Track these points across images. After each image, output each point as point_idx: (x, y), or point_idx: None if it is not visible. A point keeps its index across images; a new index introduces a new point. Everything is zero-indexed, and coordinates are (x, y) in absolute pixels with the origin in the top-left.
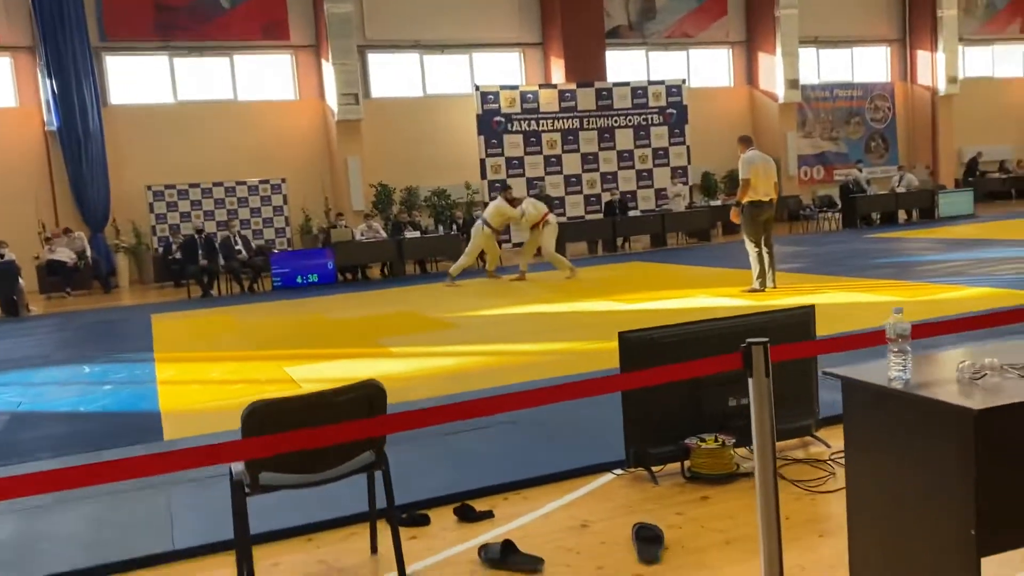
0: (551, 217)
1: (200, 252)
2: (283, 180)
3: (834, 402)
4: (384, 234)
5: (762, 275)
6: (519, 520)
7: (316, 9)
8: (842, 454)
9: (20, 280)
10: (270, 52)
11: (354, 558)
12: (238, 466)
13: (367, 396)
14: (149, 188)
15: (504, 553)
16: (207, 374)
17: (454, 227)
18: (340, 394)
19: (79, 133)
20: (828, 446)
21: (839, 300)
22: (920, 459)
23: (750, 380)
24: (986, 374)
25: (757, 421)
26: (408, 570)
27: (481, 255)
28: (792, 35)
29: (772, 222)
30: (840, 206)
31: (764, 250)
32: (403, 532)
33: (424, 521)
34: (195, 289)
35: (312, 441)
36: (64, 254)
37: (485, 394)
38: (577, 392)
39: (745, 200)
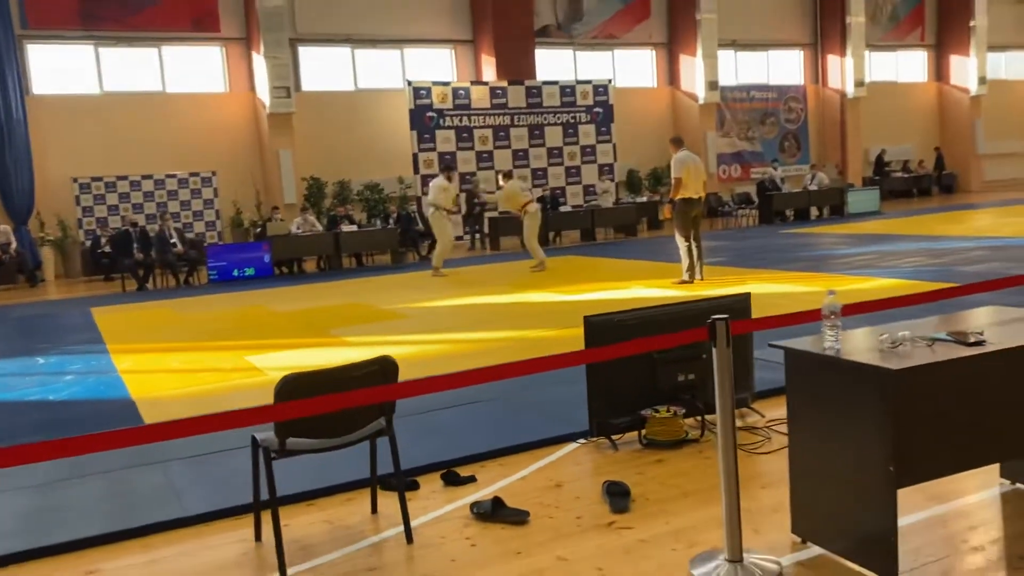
0: (532, 205)
1: (135, 245)
2: (213, 173)
3: (766, 380)
4: (320, 228)
5: (691, 268)
6: (500, 483)
7: (247, 2)
8: (775, 422)
9: None
10: (200, 44)
11: (356, 518)
12: (263, 434)
13: (382, 369)
14: (75, 180)
15: (494, 507)
16: (167, 364)
17: (390, 221)
18: (360, 368)
19: (1, 122)
20: (763, 416)
21: (764, 290)
22: (849, 411)
23: (714, 350)
24: (901, 344)
25: (719, 385)
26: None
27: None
28: (712, 38)
29: (701, 218)
30: (756, 203)
31: (693, 244)
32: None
33: (415, 486)
34: (130, 283)
35: (345, 402)
36: None
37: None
38: (560, 363)
39: (677, 197)
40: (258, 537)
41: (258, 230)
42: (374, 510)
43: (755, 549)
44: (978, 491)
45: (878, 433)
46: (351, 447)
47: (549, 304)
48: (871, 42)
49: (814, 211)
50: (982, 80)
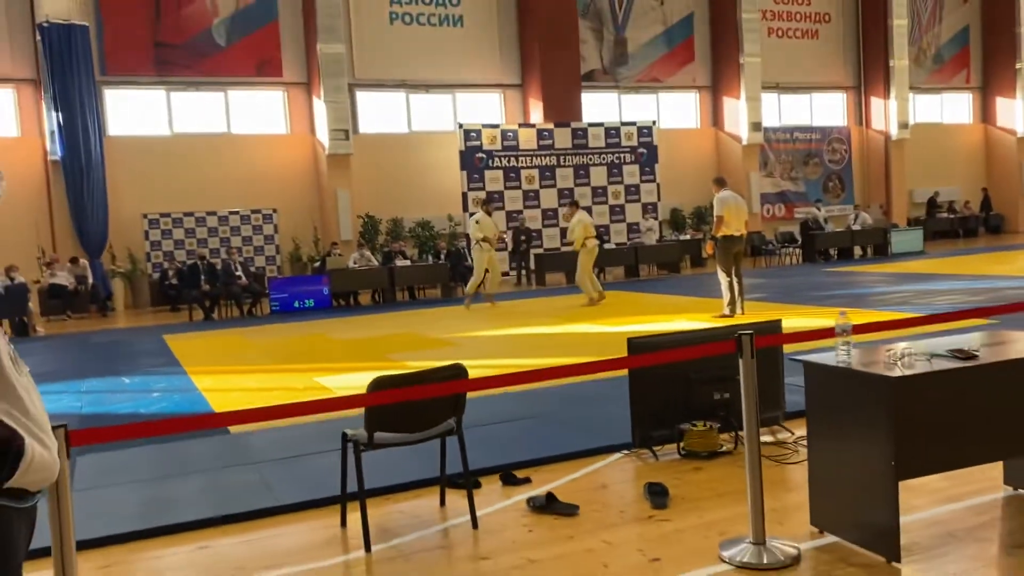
0: (591, 241)
1: (203, 277)
2: (274, 210)
3: (797, 403)
4: (376, 263)
5: (732, 302)
6: (551, 484)
7: (308, 49)
8: (803, 439)
9: (29, 303)
10: (263, 88)
11: (427, 509)
12: (354, 430)
13: (456, 372)
14: (145, 216)
15: (548, 501)
16: (243, 384)
17: (440, 257)
18: (437, 372)
19: (81, 163)
20: (792, 433)
21: (798, 323)
22: (858, 415)
23: (740, 361)
24: (903, 358)
25: (745, 391)
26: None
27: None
28: (755, 81)
29: (742, 255)
30: (800, 242)
31: (735, 280)
32: (461, 491)
33: (477, 485)
34: (196, 313)
35: (428, 392)
36: (64, 278)
37: (511, 392)
38: (607, 367)
39: (719, 234)
40: (343, 523)
41: (316, 264)
42: (443, 503)
43: (778, 536)
44: (981, 495)
45: (881, 433)
46: (421, 449)
47: (594, 335)
48: (915, 84)
49: (857, 250)
50: None
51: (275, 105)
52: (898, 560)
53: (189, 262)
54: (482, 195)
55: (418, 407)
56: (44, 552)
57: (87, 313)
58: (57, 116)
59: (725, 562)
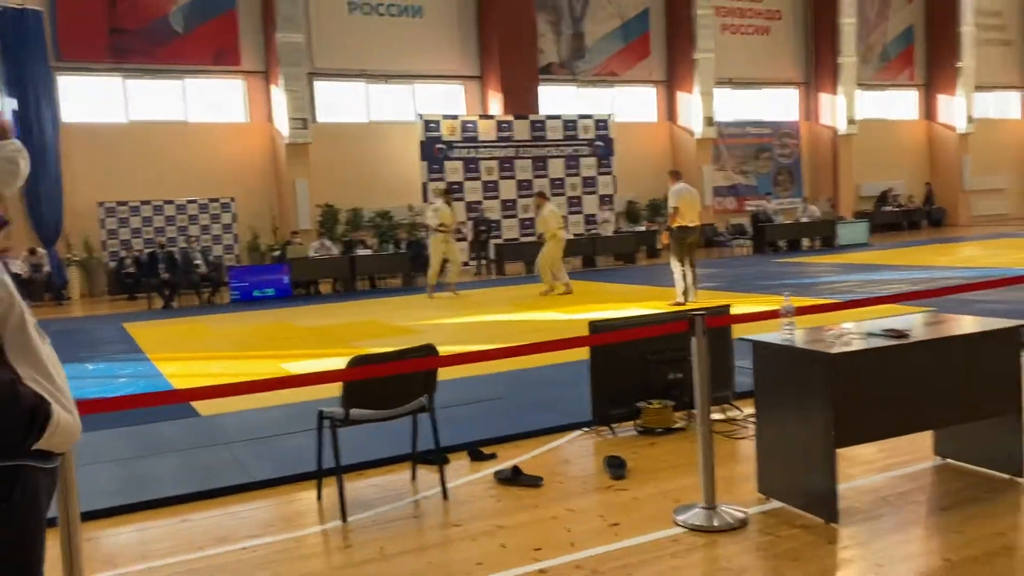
0: (561, 232)
1: (162, 266)
2: (232, 199)
3: (746, 383)
4: (336, 252)
5: (685, 291)
6: (516, 459)
7: (267, 37)
8: (751, 417)
9: None
10: (221, 76)
11: (399, 483)
12: (330, 408)
13: (427, 351)
14: (101, 204)
15: (513, 474)
16: (208, 370)
17: (401, 246)
18: (410, 352)
19: (35, 150)
20: (741, 411)
21: (749, 310)
22: (800, 389)
23: (693, 340)
24: (841, 336)
25: (698, 368)
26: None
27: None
28: (708, 76)
29: (696, 245)
30: (750, 234)
31: (688, 269)
32: (431, 467)
33: (445, 460)
34: (155, 301)
35: (403, 368)
36: (18, 267)
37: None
38: (572, 344)
39: (674, 225)
40: (319, 496)
41: (275, 254)
42: (414, 477)
43: (727, 503)
44: (912, 464)
45: (821, 405)
46: (389, 428)
47: (554, 321)
48: (862, 81)
49: (805, 242)
50: (969, 119)
51: (233, 93)
52: (836, 521)
53: (148, 250)
54: (442, 184)
55: (392, 384)
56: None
57: (42, 302)
58: (10, 102)
59: (679, 525)
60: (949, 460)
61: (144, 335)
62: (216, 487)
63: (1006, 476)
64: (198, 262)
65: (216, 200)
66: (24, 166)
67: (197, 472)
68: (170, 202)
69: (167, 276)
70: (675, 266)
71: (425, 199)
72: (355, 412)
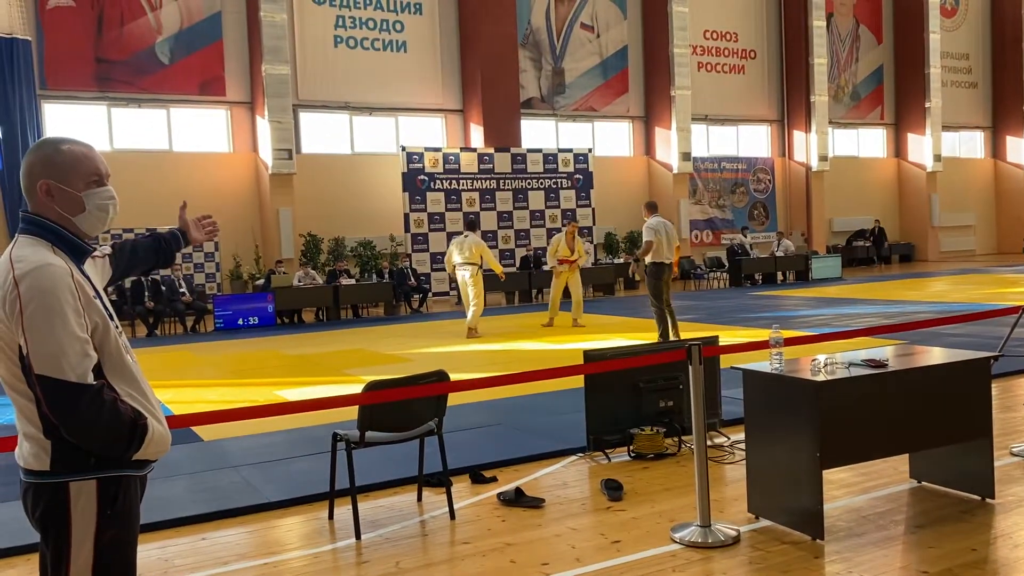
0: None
1: (147, 293)
2: None
3: (730, 412)
4: (320, 281)
5: (664, 333)
6: (516, 482)
7: (252, 69)
8: (737, 443)
9: None
10: (206, 107)
11: (406, 503)
12: (345, 430)
13: (439, 376)
14: None
15: (516, 495)
16: (204, 397)
17: (384, 276)
18: (423, 377)
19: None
20: (728, 438)
21: (732, 342)
22: (788, 415)
23: (690, 368)
24: (826, 366)
25: (694, 393)
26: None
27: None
28: (685, 113)
29: (670, 283)
30: (727, 267)
31: (665, 309)
32: (435, 489)
33: (448, 483)
34: (140, 328)
35: (416, 393)
36: None
37: (473, 403)
38: (570, 372)
39: (648, 261)
40: (331, 515)
41: (258, 282)
42: (419, 498)
43: (720, 520)
44: (890, 487)
45: (808, 429)
46: (392, 451)
47: (542, 352)
48: (834, 119)
49: (780, 276)
50: (937, 157)
51: (218, 124)
52: (822, 538)
53: (132, 279)
54: (423, 216)
55: (406, 408)
56: None
57: None
58: None
59: (676, 542)
60: (924, 483)
61: None
62: (231, 507)
63: (977, 497)
64: (183, 290)
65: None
66: (113, 214)
67: (209, 494)
68: (152, 230)
69: (151, 304)
70: (653, 306)
71: (407, 229)
72: (371, 434)
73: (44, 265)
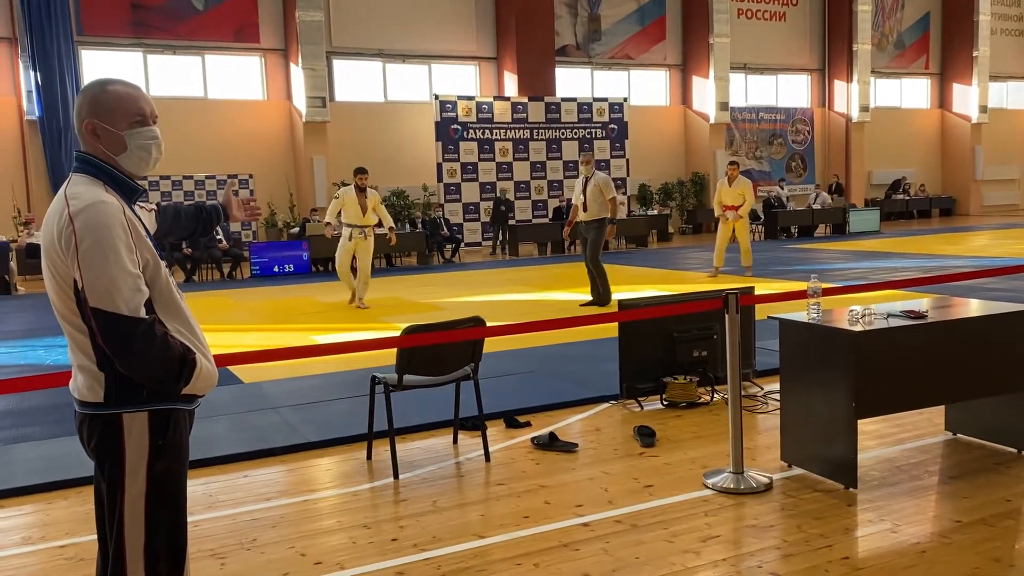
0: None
1: (184, 241)
2: (250, 176)
3: (763, 363)
4: None
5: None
6: (550, 427)
7: (286, 15)
8: (770, 393)
9: (11, 261)
10: (240, 53)
11: (442, 446)
12: (384, 373)
13: (476, 322)
14: None
15: (550, 439)
16: (243, 341)
17: (418, 225)
18: (459, 323)
19: (60, 123)
20: (761, 388)
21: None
22: (824, 364)
23: (727, 316)
24: (863, 316)
25: (730, 342)
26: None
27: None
28: (724, 61)
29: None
30: (763, 219)
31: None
32: (471, 433)
33: (484, 426)
34: (177, 274)
35: (453, 336)
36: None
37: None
38: (606, 319)
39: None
40: (369, 456)
41: (293, 230)
42: (455, 441)
43: (753, 468)
44: (925, 439)
45: (844, 379)
46: (427, 395)
47: (571, 302)
48: (876, 68)
49: (818, 229)
50: (983, 108)
51: (252, 71)
52: (855, 487)
53: None
54: (456, 166)
55: (443, 352)
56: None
57: None
58: (35, 76)
59: (709, 488)
60: (959, 435)
61: None
62: (271, 447)
63: (1012, 450)
64: (219, 237)
65: (234, 176)
66: (156, 154)
67: (250, 433)
68: (189, 177)
69: (189, 251)
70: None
71: (440, 179)
72: (408, 378)
73: (98, 202)
